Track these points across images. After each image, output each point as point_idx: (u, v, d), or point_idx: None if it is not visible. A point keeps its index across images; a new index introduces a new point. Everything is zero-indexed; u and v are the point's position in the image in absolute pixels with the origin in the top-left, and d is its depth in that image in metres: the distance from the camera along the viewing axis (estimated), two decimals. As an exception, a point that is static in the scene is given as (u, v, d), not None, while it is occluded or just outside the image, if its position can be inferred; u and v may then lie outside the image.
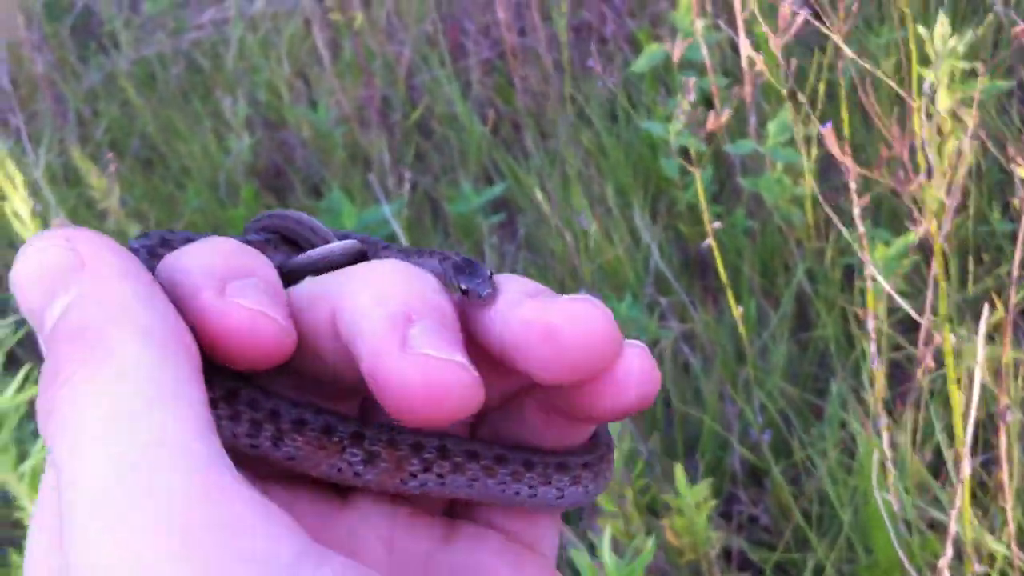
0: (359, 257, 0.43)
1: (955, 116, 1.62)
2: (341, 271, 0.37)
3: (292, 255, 0.44)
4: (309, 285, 0.37)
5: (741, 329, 1.69)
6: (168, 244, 0.39)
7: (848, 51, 1.63)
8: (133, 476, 0.28)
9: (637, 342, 0.37)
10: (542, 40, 2.43)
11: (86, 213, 2.23)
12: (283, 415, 0.36)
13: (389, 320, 0.33)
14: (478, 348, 0.37)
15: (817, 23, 1.61)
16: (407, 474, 0.38)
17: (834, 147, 1.22)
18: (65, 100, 2.76)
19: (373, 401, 0.40)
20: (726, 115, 1.75)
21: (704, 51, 1.97)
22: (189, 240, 0.39)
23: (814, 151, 1.92)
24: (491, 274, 0.38)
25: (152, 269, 0.35)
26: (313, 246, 0.44)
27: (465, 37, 2.60)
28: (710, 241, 1.59)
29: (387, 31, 2.63)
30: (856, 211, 1.28)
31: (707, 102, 2.12)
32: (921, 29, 1.57)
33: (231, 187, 2.44)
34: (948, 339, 1.23)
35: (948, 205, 1.62)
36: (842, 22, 1.75)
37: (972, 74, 1.70)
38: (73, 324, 0.31)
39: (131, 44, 2.81)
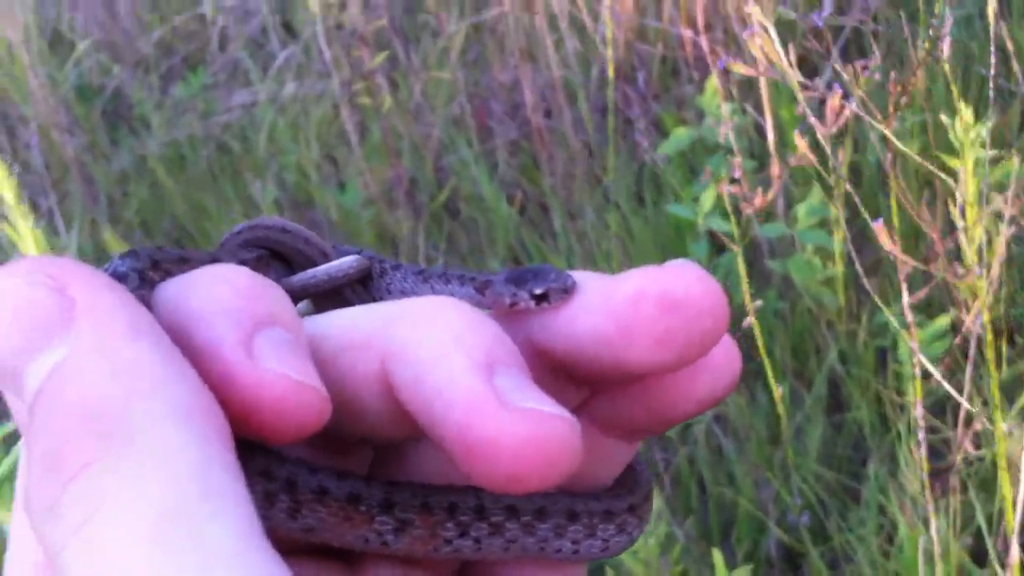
0: (366, 275, 0.39)
1: (986, 200, 1.64)
2: (379, 308, 0.32)
3: (284, 273, 0.39)
4: (338, 326, 0.31)
5: (780, 411, 1.69)
6: (159, 266, 0.32)
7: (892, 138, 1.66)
8: None
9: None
10: (568, 122, 2.46)
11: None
12: (300, 485, 0.31)
13: (478, 371, 0.28)
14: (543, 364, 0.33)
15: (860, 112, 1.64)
16: (441, 540, 0.34)
17: (886, 241, 1.24)
18: (96, 182, 2.79)
19: (384, 454, 0.36)
20: (759, 199, 1.78)
21: (731, 136, 2.00)
22: (184, 260, 0.33)
23: (842, 233, 1.94)
24: (552, 269, 0.34)
25: (145, 301, 0.29)
26: (308, 260, 0.39)
27: (492, 119, 2.64)
28: (751, 320, 1.60)
29: (415, 113, 2.67)
30: (905, 301, 1.29)
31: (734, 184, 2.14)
32: (943, 118, 1.59)
33: (260, 268, 2.46)
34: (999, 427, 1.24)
35: (984, 291, 1.63)
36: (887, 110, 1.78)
37: (998, 160, 1.72)
38: (78, 395, 0.25)
39: (161, 127, 2.85)
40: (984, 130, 1.64)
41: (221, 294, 0.29)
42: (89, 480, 0.24)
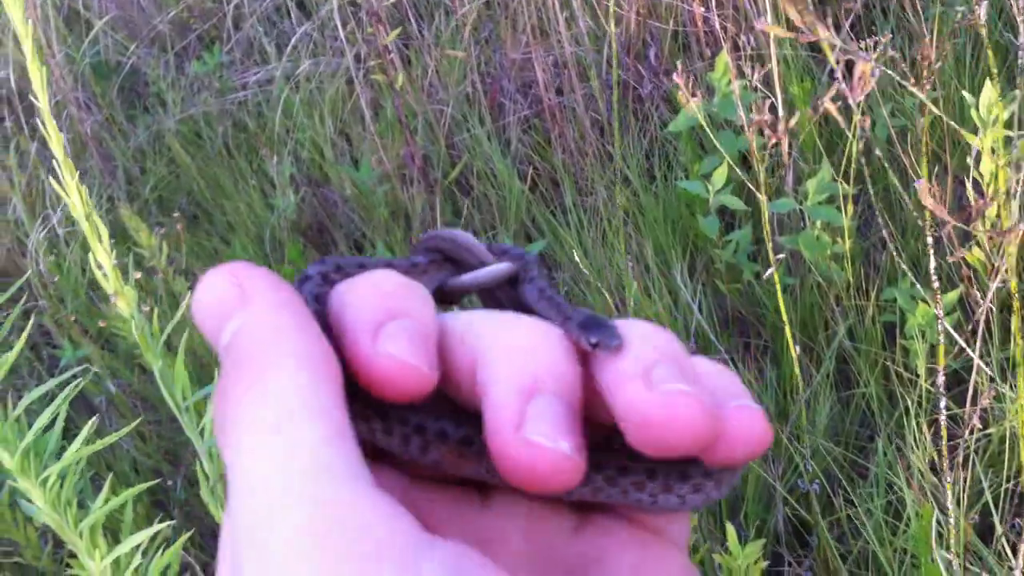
0: (512, 279, 0.47)
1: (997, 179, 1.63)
2: (488, 322, 0.40)
3: (454, 274, 0.48)
4: (462, 324, 0.40)
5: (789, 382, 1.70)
6: (342, 270, 0.42)
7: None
8: (277, 480, 0.32)
9: (747, 403, 0.39)
10: (579, 99, 2.47)
11: (135, 270, 2.27)
12: (427, 429, 0.39)
13: (515, 396, 0.36)
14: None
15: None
16: None
17: (928, 200, 1.26)
18: (113, 158, 2.82)
19: None
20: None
21: (740, 112, 2.00)
22: (362, 265, 0.42)
23: (851, 208, 1.93)
24: (615, 327, 0.40)
25: (325, 295, 0.39)
26: (471, 265, 0.48)
27: (504, 96, 2.64)
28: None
29: (428, 91, 2.68)
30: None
31: (744, 161, 2.15)
32: (967, 95, 1.58)
33: (275, 243, 2.48)
34: None
35: (993, 267, 1.63)
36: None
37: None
38: (236, 350, 0.36)
39: (177, 104, 2.87)
40: (1007, 111, 1.63)
41: (366, 293, 0.38)
42: (238, 404, 0.34)
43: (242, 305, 0.37)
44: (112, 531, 1.76)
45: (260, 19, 3.08)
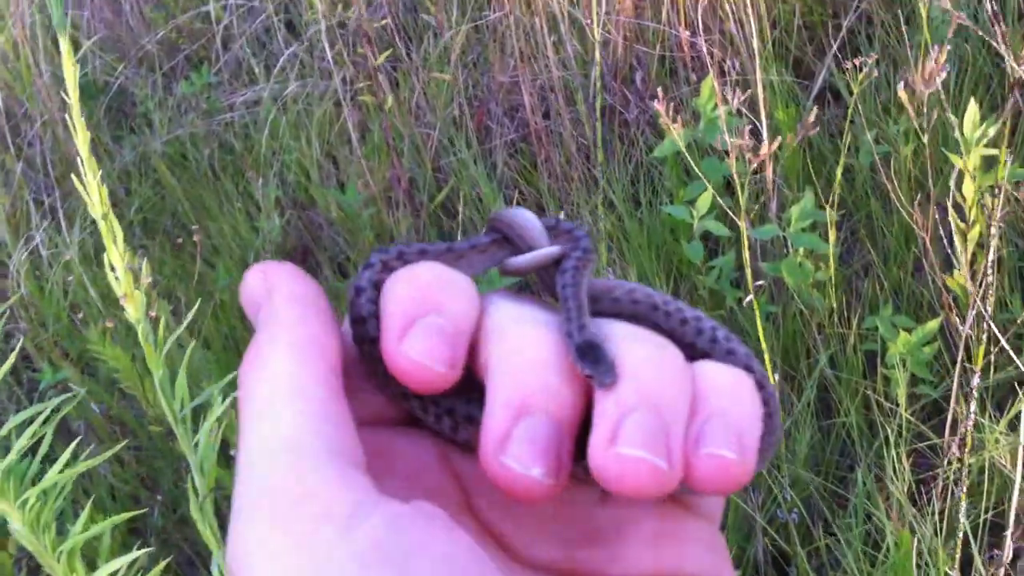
0: (560, 260, 0.48)
1: (979, 203, 1.63)
2: (509, 320, 0.41)
3: (513, 254, 0.49)
4: (491, 319, 0.41)
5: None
6: (403, 257, 0.44)
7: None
8: (255, 451, 0.36)
9: (716, 452, 0.38)
10: (566, 123, 2.47)
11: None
12: (457, 412, 0.42)
13: (507, 415, 0.38)
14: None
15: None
16: None
17: None
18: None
19: None
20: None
21: (726, 136, 2.00)
22: (423, 252, 0.44)
23: (833, 235, 1.93)
24: (613, 360, 0.39)
25: (383, 283, 0.42)
26: (522, 248, 0.49)
27: (491, 120, 2.64)
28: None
29: (415, 113, 2.68)
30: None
31: (729, 187, 2.15)
32: (951, 116, 1.58)
33: (259, 266, 2.47)
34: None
35: (973, 294, 1.62)
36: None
37: (994, 161, 1.71)
38: (254, 338, 0.40)
39: (164, 124, 2.87)
40: (992, 129, 1.64)
41: (403, 288, 0.40)
42: (244, 385, 0.38)
43: (267, 299, 0.41)
44: (88, 557, 1.75)
45: (249, 40, 3.08)
